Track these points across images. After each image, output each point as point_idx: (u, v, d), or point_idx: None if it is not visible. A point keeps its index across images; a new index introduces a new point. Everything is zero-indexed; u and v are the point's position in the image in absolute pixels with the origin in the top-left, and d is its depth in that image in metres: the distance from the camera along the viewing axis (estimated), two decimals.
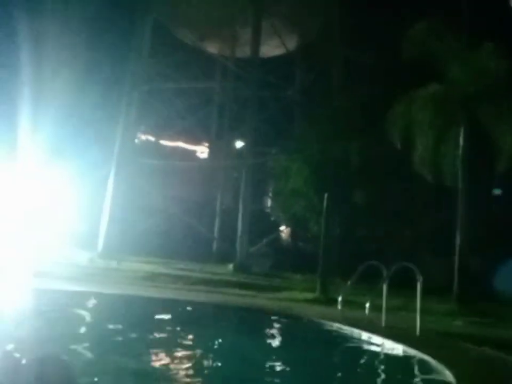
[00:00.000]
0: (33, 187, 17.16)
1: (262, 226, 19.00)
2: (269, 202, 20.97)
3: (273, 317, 8.60)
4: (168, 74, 17.18)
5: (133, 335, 6.47)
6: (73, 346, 5.32)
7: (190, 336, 6.79)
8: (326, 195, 12.65)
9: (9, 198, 17.53)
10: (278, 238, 19.55)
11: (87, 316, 7.98)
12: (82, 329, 6.90)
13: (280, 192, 17.42)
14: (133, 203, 16.96)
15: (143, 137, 19.38)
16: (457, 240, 12.10)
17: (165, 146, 19.82)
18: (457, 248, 12.08)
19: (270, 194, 20.37)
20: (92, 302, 9.25)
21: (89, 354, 5.41)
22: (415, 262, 7.98)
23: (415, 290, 7.43)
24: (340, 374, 5.56)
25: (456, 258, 12.05)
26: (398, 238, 15.63)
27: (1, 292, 9.42)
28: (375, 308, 8.12)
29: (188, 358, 5.58)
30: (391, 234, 15.39)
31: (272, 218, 19.89)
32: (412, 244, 15.71)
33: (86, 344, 5.72)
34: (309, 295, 11.81)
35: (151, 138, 19.64)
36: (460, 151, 12.33)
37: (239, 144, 20.34)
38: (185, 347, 6.09)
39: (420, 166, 12.55)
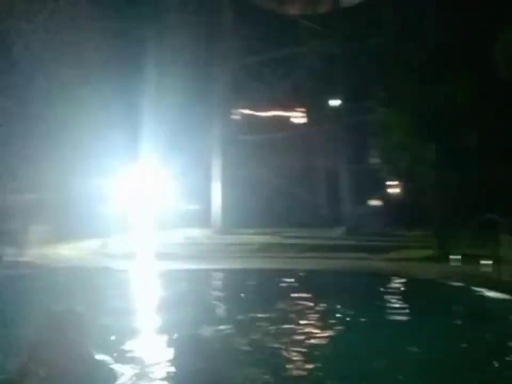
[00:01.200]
0: (149, 176, 18.69)
1: (369, 184, 18.48)
2: (373, 160, 20.25)
3: (393, 279, 8.43)
4: (253, 47, 17.19)
5: (267, 307, 6.59)
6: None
7: (318, 306, 6.81)
8: (434, 145, 11.87)
9: (130, 186, 19.34)
10: (387, 195, 18.89)
11: (221, 292, 8.38)
12: (218, 309, 7.13)
13: (383, 148, 16.69)
14: (239, 179, 17.59)
15: (240, 114, 19.78)
16: None
17: (262, 119, 20.05)
18: None
19: (373, 150, 19.64)
20: (220, 278, 9.85)
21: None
22: None
23: None
24: (474, 336, 5.28)
25: None
26: None
27: (141, 275, 10.55)
28: (495, 260, 7.62)
29: (323, 327, 5.66)
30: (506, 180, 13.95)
31: (379, 175, 19.23)
32: None
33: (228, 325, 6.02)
34: (427, 253, 11.39)
35: (247, 113, 19.97)
36: None
37: (334, 102, 19.82)
38: (319, 316, 6.14)
39: None
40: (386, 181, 18.83)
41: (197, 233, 16.74)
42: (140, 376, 3.73)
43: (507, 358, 4.39)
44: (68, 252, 14.87)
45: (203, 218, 17.59)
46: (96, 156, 17.91)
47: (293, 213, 17.07)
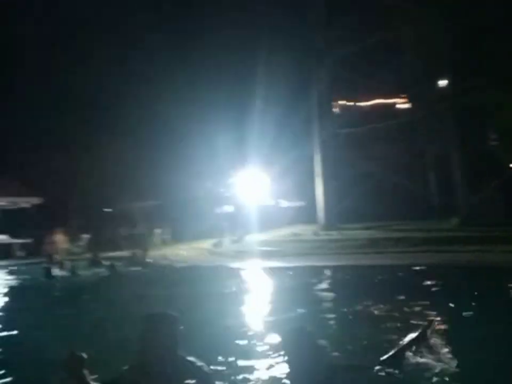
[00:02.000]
0: (256, 176, 19.38)
1: (485, 169, 17.02)
2: (491, 142, 18.56)
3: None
4: (348, 38, 16.80)
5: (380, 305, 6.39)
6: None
7: (435, 302, 6.30)
8: None
9: (239, 187, 20.24)
10: (507, 180, 17.17)
11: (338, 289, 8.26)
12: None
13: (506, 128, 15.24)
14: (342, 173, 17.37)
15: (340, 106, 19.50)
16: None
17: (363, 109, 19.54)
18: None
19: (489, 132, 18.01)
20: (331, 275, 9.78)
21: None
22: None
23: None
24: None
25: None
26: None
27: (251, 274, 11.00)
28: None
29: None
30: None
31: (497, 159, 17.56)
32: None
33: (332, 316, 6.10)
34: None
35: (348, 105, 19.61)
36: None
37: (441, 83, 18.54)
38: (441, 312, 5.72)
39: None
40: (507, 163, 17.15)
41: (303, 229, 16.91)
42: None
43: None
44: (185, 252, 16.01)
45: (309, 215, 17.71)
46: (208, 160, 19.13)
47: (400, 204, 16.38)
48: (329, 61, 17.48)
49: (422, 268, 9.39)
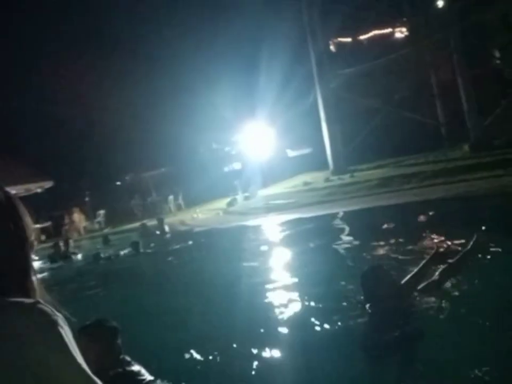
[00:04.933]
0: (263, 130, 19.20)
1: (493, 90, 16.55)
2: (496, 60, 17.90)
3: None
4: None
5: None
6: None
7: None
8: None
9: (248, 142, 20.12)
10: None
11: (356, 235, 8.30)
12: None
13: (506, 45, 14.65)
14: (346, 114, 17.05)
15: (335, 45, 18.80)
16: None
17: (361, 44, 18.82)
18: None
19: (496, 50, 17.32)
20: (347, 221, 9.80)
21: None
22: None
23: None
24: None
25: None
26: None
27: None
28: None
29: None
30: None
31: (505, 77, 17.00)
32: None
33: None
34: None
35: (345, 41, 18.88)
36: None
37: (440, 3, 17.67)
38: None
39: None
40: None
41: (314, 177, 16.87)
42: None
43: None
44: (201, 215, 16.18)
45: (319, 162, 17.61)
46: (213, 118, 18.95)
47: (409, 138, 16.13)
48: None
49: (437, 202, 9.35)
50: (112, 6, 18.20)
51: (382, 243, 6.90)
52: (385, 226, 7.87)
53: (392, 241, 6.81)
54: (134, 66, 19.69)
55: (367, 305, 3.32)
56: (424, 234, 6.56)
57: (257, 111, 18.33)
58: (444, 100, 17.54)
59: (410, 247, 6.26)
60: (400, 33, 19.35)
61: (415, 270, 3.47)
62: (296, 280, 5.97)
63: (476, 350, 3.07)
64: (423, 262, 3.48)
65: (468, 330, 3.34)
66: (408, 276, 3.43)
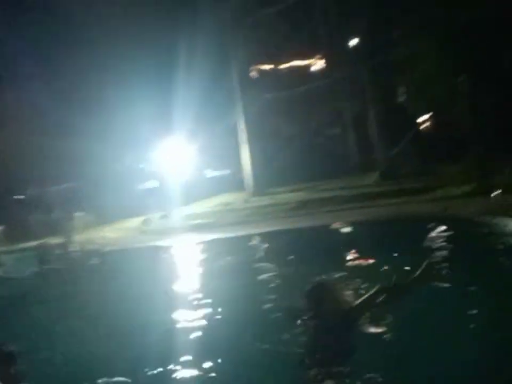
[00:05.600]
0: (181, 149, 18.86)
1: (399, 123, 17.97)
2: (402, 96, 19.53)
3: (439, 221, 8.18)
4: (264, 1, 16.55)
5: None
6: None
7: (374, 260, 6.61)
8: (464, 75, 11.34)
9: (164, 161, 19.63)
10: (419, 131, 18.31)
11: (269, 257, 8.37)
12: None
13: (412, 83, 16.07)
14: (267, 137, 17.47)
15: (259, 71, 19.33)
16: None
17: (282, 73, 19.55)
18: None
19: (401, 87, 18.91)
20: (263, 242, 9.84)
21: None
22: None
23: None
24: None
25: None
26: None
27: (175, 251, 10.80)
28: None
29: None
30: None
31: (409, 113, 18.59)
32: None
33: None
34: (467, 188, 11.10)
35: (267, 69, 19.49)
36: None
37: (353, 42, 19.01)
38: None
39: None
40: (418, 117, 18.22)
41: (232, 198, 16.91)
42: None
43: None
44: (112, 233, 15.34)
45: (238, 183, 17.72)
46: (129, 134, 18.19)
47: (324, 164, 16.90)
48: (245, 24, 17.14)
49: (350, 225, 9.79)
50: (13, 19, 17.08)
51: (302, 263, 7.01)
52: (306, 246, 8.04)
53: (313, 260, 6.94)
54: (40, 76, 18.46)
55: (309, 321, 3.29)
56: (344, 255, 6.80)
57: (176, 128, 18.00)
58: (356, 129, 18.69)
59: (329, 265, 6.42)
60: (318, 65, 20.42)
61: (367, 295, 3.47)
62: (211, 300, 5.78)
63: (407, 372, 3.17)
64: (375, 288, 3.49)
65: (401, 353, 3.45)
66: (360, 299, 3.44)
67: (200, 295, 6.09)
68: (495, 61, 12.89)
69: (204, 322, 4.87)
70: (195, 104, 16.38)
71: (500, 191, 8.26)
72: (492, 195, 9.05)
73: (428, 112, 17.62)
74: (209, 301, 5.67)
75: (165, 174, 19.87)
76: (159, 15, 16.75)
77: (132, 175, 22.09)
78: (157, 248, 11.05)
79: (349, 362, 3.07)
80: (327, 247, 7.85)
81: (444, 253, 6.40)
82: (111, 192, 18.18)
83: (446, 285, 4.63)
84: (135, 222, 16.47)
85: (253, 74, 19.07)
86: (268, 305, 4.81)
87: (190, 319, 5.05)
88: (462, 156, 13.38)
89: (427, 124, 18.79)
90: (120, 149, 19.62)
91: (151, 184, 22.62)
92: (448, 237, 7.43)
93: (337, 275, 5.08)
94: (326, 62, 20.01)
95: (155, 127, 17.92)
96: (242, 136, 17.44)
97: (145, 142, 19.46)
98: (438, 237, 7.44)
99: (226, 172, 20.60)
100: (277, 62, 19.39)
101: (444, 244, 6.95)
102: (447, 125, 16.98)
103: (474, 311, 4.03)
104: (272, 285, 6.42)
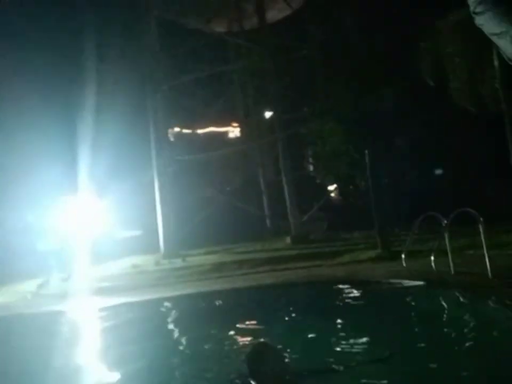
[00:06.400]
0: (90, 206, 17.95)
1: (310, 191, 19.02)
2: (311, 167, 20.87)
3: (349, 284, 8.57)
4: (184, 67, 17.21)
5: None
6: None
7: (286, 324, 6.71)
8: (366, 151, 12.53)
9: (69, 218, 18.45)
10: (328, 200, 19.52)
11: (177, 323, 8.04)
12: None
13: (320, 156, 17.28)
14: (181, 199, 17.40)
15: (176, 134, 19.63)
16: None
17: (199, 137, 20.04)
18: None
19: (310, 159, 20.25)
20: (173, 307, 9.49)
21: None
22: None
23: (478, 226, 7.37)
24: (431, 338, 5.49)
25: None
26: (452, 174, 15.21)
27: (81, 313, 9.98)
28: (440, 253, 8.14)
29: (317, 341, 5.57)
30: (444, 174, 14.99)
31: (318, 181, 19.85)
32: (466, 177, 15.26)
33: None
34: (372, 253, 11.86)
35: (184, 132, 19.87)
36: (497, 72, 11.74)
37: (268, 114, 20.24)
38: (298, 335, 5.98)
39: (460, 96, 12.16)
40: (326, 187, 19.48)
41: (143, 260, 16.27)
42: None
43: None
44: (2, 297, 13.76)
45: (150, 244, 17.18)
46: (30, 189, 16.99)
47: (239, 227, 17.14)
48: (165, 88, 17.54)
49: (267, 287, 9.87)
50: None
51: (217, 327, 6.86)
52: (221, 309, 7.91)
53: (229, 323, 6.83)
54: None
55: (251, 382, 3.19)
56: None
57: (86, 183, 17.19)
58: (269, 195, 19.40)
59: (242, 327, 6.37)
60: (234, 132, 21.30)
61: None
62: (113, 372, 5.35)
63: None
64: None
65: None
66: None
67: (96, 367, 5.59)
68: (389, 142, 14.53)
69: None
70: (108, 158, 15.91)
71: (403, 256, 8.98)
72: (396, 260, 9.77)
73: (334, 183, 18.94)
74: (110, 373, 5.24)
75: (71, 232, 18.68)
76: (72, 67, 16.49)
77: (30, 232, 20.43)
78: (53, 314, 10.03)
79: None
80: (238, 310, 7.83)
81: (353, 314, 6.73)
82: (6, 252, 16.58)
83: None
84: (31, 284, 15.01)
85: (170, 136, 19.30)
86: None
87: None
88: (366, 224, 14.38)
89: (335, 193, 20.16)
90: (19, 205, 18.23)
91: (53, 243, 21.02)
92: (357, 297, 7.81)
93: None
94: (242, 130, 20.96)
95: (62, 182, 17.03)
96: (157, 196, 17.22)
97: (50, 198, 18.31)
98: (346, 298, 7.81)
99: (139, 232, 19.94)
100: (195, 126, 19.90)
101: (354, 303, 7.29)
102: (352, 195, 18.35)
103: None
104: (183, 349, 6.15)
